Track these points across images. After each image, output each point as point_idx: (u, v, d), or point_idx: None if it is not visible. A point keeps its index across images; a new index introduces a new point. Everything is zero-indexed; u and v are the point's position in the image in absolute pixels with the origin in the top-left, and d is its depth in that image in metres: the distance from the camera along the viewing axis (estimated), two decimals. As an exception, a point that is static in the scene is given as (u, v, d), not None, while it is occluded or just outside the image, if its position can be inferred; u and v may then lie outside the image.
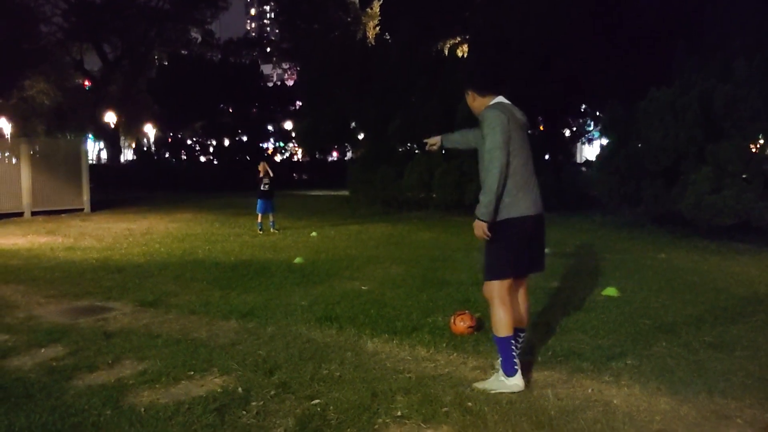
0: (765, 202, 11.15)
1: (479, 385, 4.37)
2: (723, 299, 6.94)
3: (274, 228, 13.72)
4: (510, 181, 4.27)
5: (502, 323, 4.30)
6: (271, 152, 41.22)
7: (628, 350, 5.12)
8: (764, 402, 4.09)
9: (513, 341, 4.32)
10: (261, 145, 39.97)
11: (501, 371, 4.33)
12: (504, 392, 4.21)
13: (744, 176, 11.62)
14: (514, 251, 4.34)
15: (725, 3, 15.00)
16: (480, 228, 4.28)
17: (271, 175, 13.81)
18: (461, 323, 5.58)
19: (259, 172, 13.79)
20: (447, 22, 23.67)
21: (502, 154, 4.20)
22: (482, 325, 5.71)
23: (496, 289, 4.36)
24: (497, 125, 4.23)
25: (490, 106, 4.40)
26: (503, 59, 18.14)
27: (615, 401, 4.11)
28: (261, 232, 13.34)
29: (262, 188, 13.63)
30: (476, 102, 4.54)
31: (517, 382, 4.27)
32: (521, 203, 4.29)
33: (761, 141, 12.37)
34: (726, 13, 15.00)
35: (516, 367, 4.29)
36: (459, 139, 4.99)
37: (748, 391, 4.27)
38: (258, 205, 13.65)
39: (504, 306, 4.32)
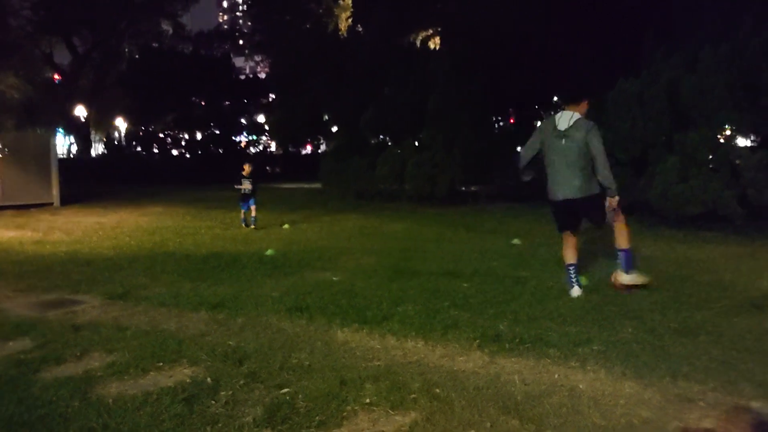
0: (731, 191, 11.29)
1: None
2: (688, 286, 7.03)
3: (254, 224, 13.39)
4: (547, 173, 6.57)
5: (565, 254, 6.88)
6: (245, 145, 40.87)
7: (595, 336, 5.18)
8: (726, 385, 4.16)
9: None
10: (234, 138, 39.66)
11: None
12: (471, 378, 4.27)
13: (711, 166, 11.75)
14: (555, 217, 6.91)
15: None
16: None
17: (249, 187, 13.44)
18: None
19: (243, 170, 13.52)
20: (419, 13, 23.69)
21: (524, 148, 6.87)
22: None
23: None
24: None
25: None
26: (474, 51, 18.17)
27: (581, 386, 4.17)
28: (245, 227, 13.15)
29: (243, 192, 13.34)
30: None
31: None
32: (550, 191, 6.60)
33: (728, 131, 12.49)
34: (694, 0, 15.10)
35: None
36: (530, 155, 6.80)
37: (710, 374, 4.34)
38: (241, 204, 13.50)
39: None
